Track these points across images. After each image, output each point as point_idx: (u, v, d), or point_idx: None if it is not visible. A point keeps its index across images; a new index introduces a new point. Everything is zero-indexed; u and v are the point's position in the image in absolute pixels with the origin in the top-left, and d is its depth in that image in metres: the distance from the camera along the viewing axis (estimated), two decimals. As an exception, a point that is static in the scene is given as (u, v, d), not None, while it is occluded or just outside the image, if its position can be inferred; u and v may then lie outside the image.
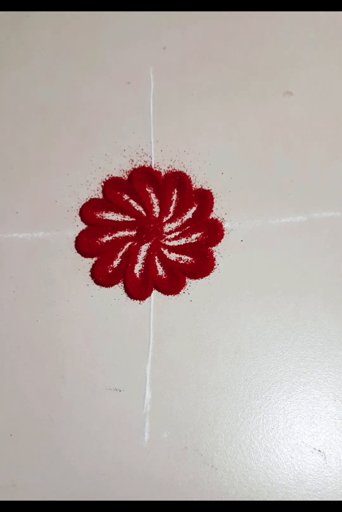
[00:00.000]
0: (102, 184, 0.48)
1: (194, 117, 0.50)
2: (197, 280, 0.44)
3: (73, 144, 0.50)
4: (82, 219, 0.47)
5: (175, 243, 0.46)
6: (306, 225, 0.46)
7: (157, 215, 0.47)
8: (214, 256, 0.45)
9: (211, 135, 0.49)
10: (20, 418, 0.41)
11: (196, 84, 0.52)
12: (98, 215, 0.47)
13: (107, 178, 0.48)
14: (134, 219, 0.47)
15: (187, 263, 0.45)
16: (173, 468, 0.39)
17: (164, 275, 0.45)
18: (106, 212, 0.47)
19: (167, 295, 0.44)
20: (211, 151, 0.49)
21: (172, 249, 0.46)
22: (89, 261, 0.45)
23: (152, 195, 0.47)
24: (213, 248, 0.45)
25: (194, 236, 0.46)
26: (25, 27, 0.55)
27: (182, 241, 0.46)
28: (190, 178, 0.48)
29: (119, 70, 0.52)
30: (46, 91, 0.52)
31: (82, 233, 0.46)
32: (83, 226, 0.47)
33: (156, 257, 0.45)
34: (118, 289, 0.44)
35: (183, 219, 0.46)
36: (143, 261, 0.45)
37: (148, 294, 0.44)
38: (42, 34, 0.55)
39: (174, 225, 0.46)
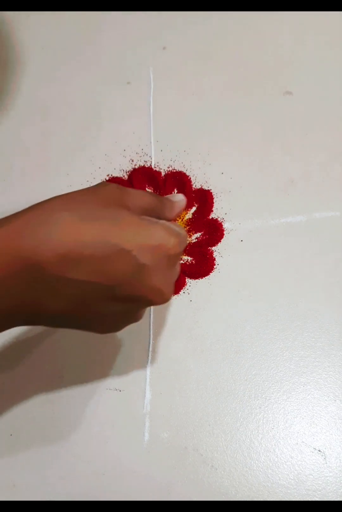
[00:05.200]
0: (103, 184, 0.48)
1: (194, 117, 0.50)
2: (197, 280, 0.44)
3: (73, 144, 0.50)
4: (82, 219, 0.47)
5: (175, 243, 0.46)
6: (306, 225, 0.46)
7: (157, 215, 0.47)
8: (214, 256, 0.45)
9: (211, 135, 0.49)
10: (20, 418, 0.41)
11: (196, 84, 0.52)
12: (98, 215, 0.47)
13: (107, 178, 0.48)
14: (134, 219, 0.46)
15: (187, 263, 0.45)
16: (173, 468, 0.39)
17: (164, 275, 0.45)
18: (106, 212, 0.47)
19: (168, 295, 0.44)
20: (211, 151, 0.49)
21: (172, 249, 0.45)
22: (89, 261, 0.45)
23: (152, 195, 0.47)
24: (213, 248, 0.45)
25: (194, 236, 0.46)
26: (25, 27, 0.55)
27: (182, 241, 0.46)
28: (190, 178, 0.48)
29: (119, 70, 0.52)
30: (46, 91, 0.52)
31: (82, 233, 0.46)
32: (83, 226, 0.46)
33: (156, 257, 0.45)
34: (118, 289, 0.44)
35: (183, 219, 0.46)
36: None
37: (148, 294, 0.44)
38: (42, 34, 0.55)
39: (174, 225, 0.46)
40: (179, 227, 0.36)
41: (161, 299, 0.34)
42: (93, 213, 0.31)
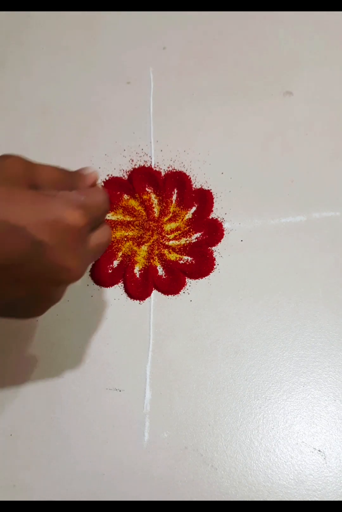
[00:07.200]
0: (102, 184, 0.48)
1: (194, 117, 0.50)
2: (197, 280, 0.44)
3: (73, 144, 0.50)
4: (82, 219, 0.47)
5: (175, 243, 0.46)
6: (306, 225, 0.46)
7: (157, 215, 0.47)
8: (214, 256, 0.45)
9: (211, 135, 0.49)
10: (20, 418, 0.41)
11: (196, 84, 0.52)
12: (98, 215, 0.47)
13: (107, 178, 0.48)
14: (134, 219, 0.47)
15: (187, 263, 0.45)
16: (173, 468, 0.39)
17: (164, 275, 0.45)
18: (106, 212, 0.47)
19: (167, 295, 0.44)
20: (211, 151, 0.49)
21: (172, 249, 0.46)
22: (89, 261, 0.45)
23: (153, 195, 0.47)
24: (213, 248, 0.45)
25: (194, 236, 0.46)
26: (25, 27, 0.55)
27: (182, 241, 0.46)
28: (190, 178, 0.48)
29: (119, 70, 0.52)
30: (46, 91, 0.52)
31: (82, 233, 0.46)
32: (83, 226, 0.46)
33: (156, 257, 0.45)
34: (118, 289, 0.44)
35: (183, 219, 0.46)
36: (144, 261, 0.45)
37: (148, 294, 0.44)
38: (42, 34, 0.55)
39: (174, 225, 0.46)
40: (87, 195, 0.32)
41: (69, 276, 0.31)
42: None
